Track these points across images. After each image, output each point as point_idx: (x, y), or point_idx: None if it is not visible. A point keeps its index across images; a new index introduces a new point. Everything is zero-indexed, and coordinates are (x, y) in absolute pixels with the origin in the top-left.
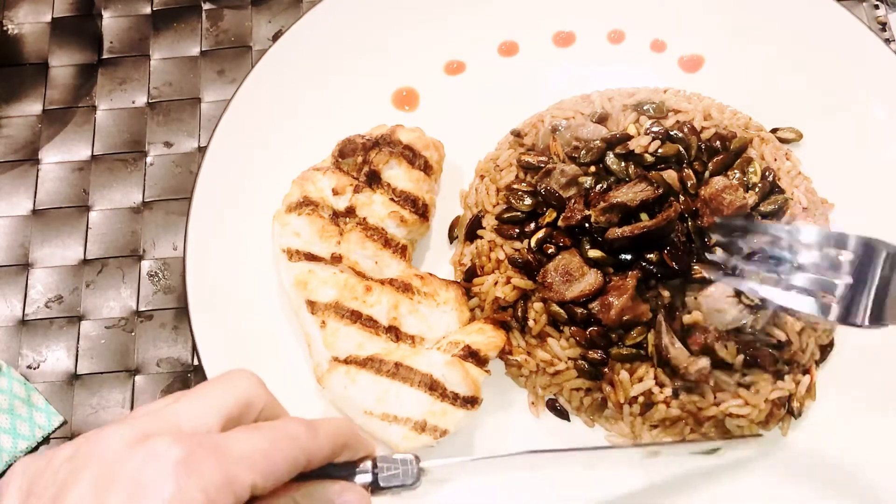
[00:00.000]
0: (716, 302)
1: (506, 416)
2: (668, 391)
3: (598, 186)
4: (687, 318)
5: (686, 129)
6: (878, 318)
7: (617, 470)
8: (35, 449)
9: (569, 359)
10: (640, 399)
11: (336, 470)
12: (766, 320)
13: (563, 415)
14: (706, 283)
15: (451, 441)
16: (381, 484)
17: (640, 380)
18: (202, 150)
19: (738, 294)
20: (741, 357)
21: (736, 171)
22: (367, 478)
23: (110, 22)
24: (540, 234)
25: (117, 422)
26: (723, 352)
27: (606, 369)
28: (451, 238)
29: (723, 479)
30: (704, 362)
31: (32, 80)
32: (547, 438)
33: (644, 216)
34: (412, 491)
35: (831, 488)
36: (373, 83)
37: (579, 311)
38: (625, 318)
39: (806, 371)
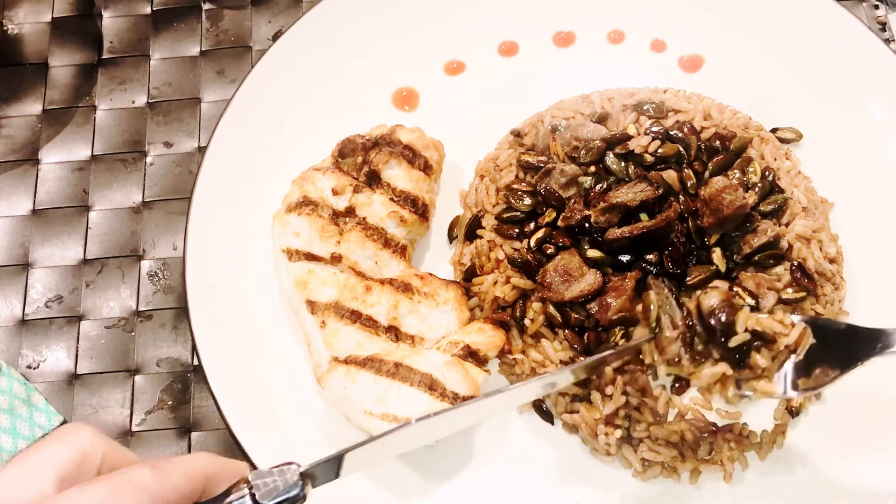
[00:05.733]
0: (710, 302)
1: (505, 416)
2: (649, 420)
3: (598, 186)
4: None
5: (686, 129)
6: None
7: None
8: None
9: (560, 362)
10: (619, 431)
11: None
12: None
13: (547, 416)
14: (704, 283)
15: (451, 441)
16: (262, 502)
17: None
18: (202, 150)
19: (733, 296)
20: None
21: (736, 170)
22: (246, 501)
23: (110, 22)
24: (539, 234)
25: None
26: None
27: (594, 376)
28: (451, 238)
29: (719, 483)
30: (721, 368)
31: (32, 80)
32: (543, 439)
33: (644, 216)
34: (302, 501)
35: (829, 489)
36: (373, 83)
37: (574, 315)
38: (618, 315)
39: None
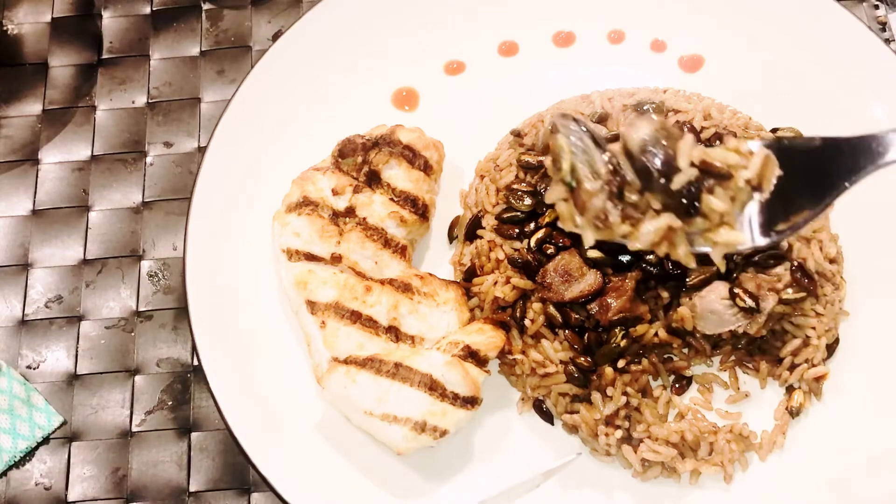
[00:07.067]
0: (710, 304)
1: (505, 416)
2: (649, 420)
3: None
4: (675, 316)
5: (686, 129)
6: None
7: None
8: (35, 449)
9: (560, 362)
10: (619, 431)
11: None
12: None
13: (547, 417)
14: (704, 284)
15: (451, 441)
16: None
17: (624, 391)
18: (202, 150)
19: (733, 297)
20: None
21: None
22: None
23: (110, 22)
24: (540, 234)
25: None
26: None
27: (595, 377)
28: (451, 238)
29: (719, 483)
30: (665, 220)
31: (32, 80)
32: (543, 439)
33: None
34: None
35: (829, 490)
36: (373, 83)
37: (574, 315)
38: (619, 315)
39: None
